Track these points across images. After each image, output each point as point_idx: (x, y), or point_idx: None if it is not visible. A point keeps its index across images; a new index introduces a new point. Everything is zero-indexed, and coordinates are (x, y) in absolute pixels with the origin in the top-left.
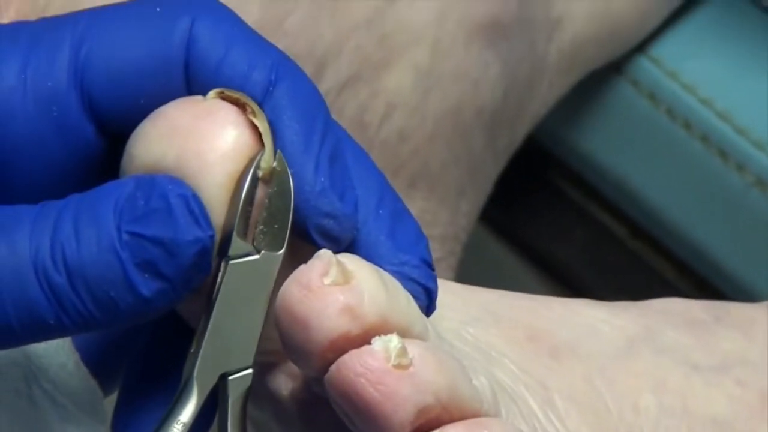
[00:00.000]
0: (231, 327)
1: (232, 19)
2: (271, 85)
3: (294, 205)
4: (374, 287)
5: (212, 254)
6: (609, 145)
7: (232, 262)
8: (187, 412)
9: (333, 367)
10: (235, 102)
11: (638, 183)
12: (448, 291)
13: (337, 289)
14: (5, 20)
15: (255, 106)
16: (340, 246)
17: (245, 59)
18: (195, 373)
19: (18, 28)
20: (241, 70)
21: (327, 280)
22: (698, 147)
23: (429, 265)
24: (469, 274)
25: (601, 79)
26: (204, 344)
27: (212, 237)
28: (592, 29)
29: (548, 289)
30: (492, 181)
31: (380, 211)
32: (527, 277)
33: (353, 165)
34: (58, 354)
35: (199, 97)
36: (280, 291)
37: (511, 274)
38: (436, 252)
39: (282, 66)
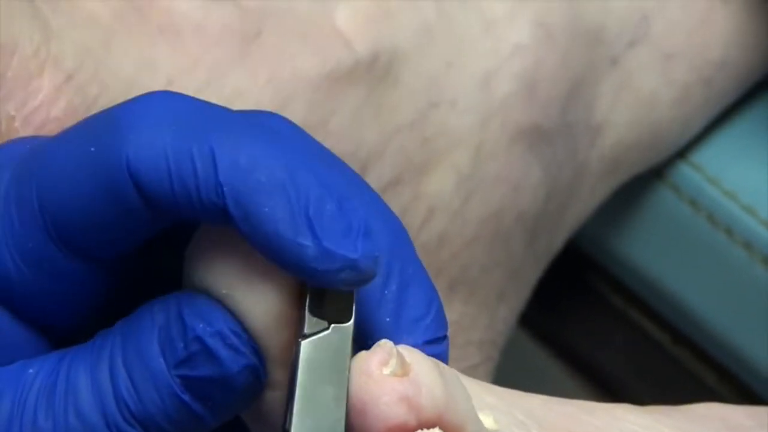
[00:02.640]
0: (316, 405)
1: (166, 123)
2: None
3: None
4: (431, 381)
5: (264, 369)
6: (650, 251)
7: (303, 342)
8: None
9: None
10: None
11: (679, 289)
12: (492, 394)
13: (396, 380)
14: (56, 112)
15: None
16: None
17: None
18: None
19: None
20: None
21: (386, 370)
22: (740, 254)
23: (433, 341)
24: (508, 378)
25: (642, 184)
26: (294, 422)
27: (258, 359)
28: (633, 135)
29: (588, 395)
30: (531, 285)
31: (385, 291)
32: (567, 382)
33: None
34: None
35: None
36: None
37: (551, 379)
38: (474, 357)
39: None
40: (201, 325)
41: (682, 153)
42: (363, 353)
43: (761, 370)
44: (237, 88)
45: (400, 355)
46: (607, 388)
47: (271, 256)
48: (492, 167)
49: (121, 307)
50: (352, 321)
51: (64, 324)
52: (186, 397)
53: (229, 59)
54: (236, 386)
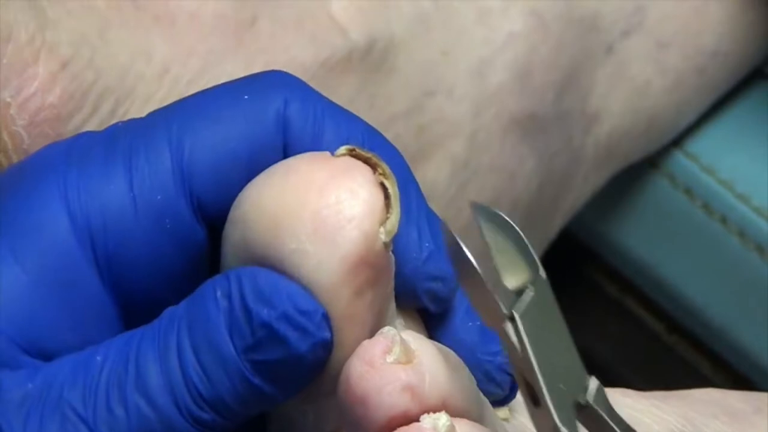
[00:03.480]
0: (552, 360)
1: (315, 95)
2: None
3: (399, 270)
4: (436, 368)
5: (332, 338)
6: (645, 240)
7: (516, 315)
8: None
9: None
10: (366, 161)
11: (674, 278)
12: None
13: (399, 368)
14: (51, 99)
15: (387, 168)
16: (445, 306)
17: (338, 133)
18: (557, 421)
19: (109, 138)
20: (336, 145)
21: (390, 359)
22: (735, 242)
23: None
24: None
25: (637, 173)
26: (546, 395)
27: (328, 330)
28: (628, 123)
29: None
30: None
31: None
32: None
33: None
34: None
35: (327, 154)
36: (344, 365)
37: None
38: None
39: (370, 135)
40: (266, 310)
41: (677, 142)
42: (366, 342)
43: (756, 358)
44: (232, 77)
45: (404, 342)
46: (603, 377)
47: None
48: (487, 156)
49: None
50: (541, 270)
51: (154, 293)
52: (257, 381)
53: (224, 48)
54: (306, 363)
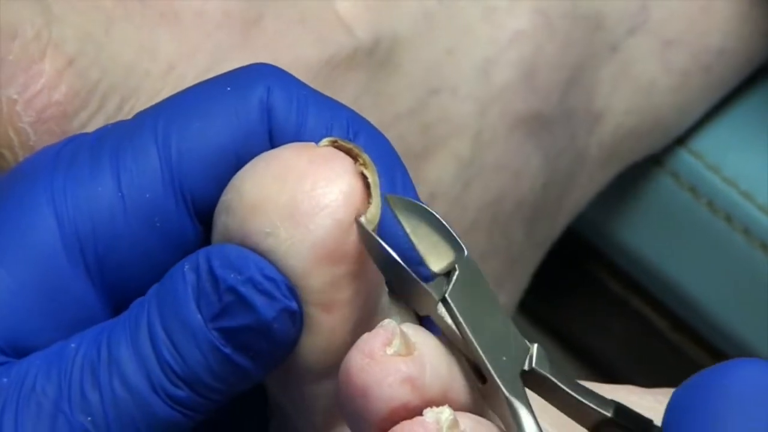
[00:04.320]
0: (491, 334)
1: (297, 83)
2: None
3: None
4: (437, 360)
5: (301, 312)
6: (649, 238)
7: (447, 296)
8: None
9: None
10: (348, 152)
11: (679, 276)
12: None
13: (399, 360)
14: (57, 96)
15: (367, 158)
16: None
17: (322, 121)
18: (507, 393)
19: (97, 140)
20: (321, 132)
21: (390, 351)
22: (739, 240)
23: None
24: None
25: (642, 172)
26: (490, 369)
27: (295, 301)
28: (633, 122)
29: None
30: (530, 272)
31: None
32: (567, 369)
33: None
34: None
35: (311, 144)
36: (344, 358)
37: None
38: None
39: (355, 122)
40: (232, 275)
41: (682, 140)
42: (366, 334)
43: (759, 355)
44: None
45: (404, 335)
46: (607, 375)
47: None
48: (491, 154)
49: None
50: (465, 250)
51: (137, 295)
52: (227, 350)
53: (230, 45)
54: (275, 332)
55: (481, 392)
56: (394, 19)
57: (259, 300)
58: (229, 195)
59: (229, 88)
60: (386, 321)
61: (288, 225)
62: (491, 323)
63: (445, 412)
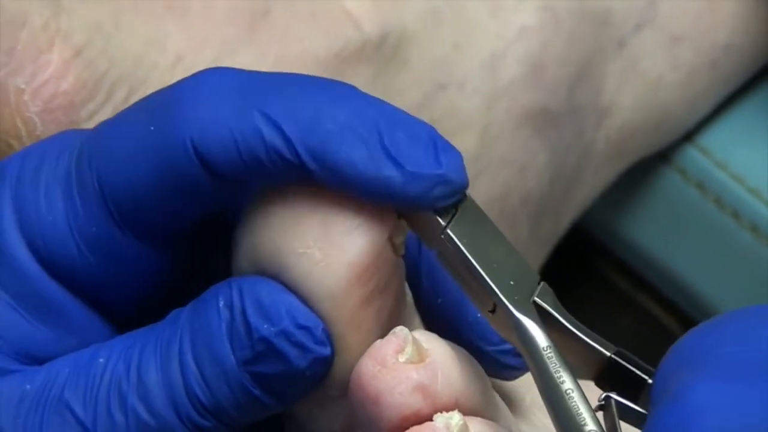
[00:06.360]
0: (497, 266)
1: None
2: None
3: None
4: (448, 367)
5: (332, 357)
6: (657, 235)
7: (449, 229)
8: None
9: None
10: None
11: (686, 272)
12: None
13: (411, 368)
14: (65, 86)
15: None
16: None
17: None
18: (516, 314)
19: (56, 159)
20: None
21: (402, 358)
22: (747, 237)
23: None
24: None
25: (649, 168)
26: (495, 290)
27: (329, 347)
28: (640, 118)
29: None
30: (536, 268)
31: None
32: (574, 364)
33: None
34: None
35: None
36: (356, 364)
37: None
38: None
39: None
40: (265, 326)
41: (689, 136)
42: (378, 341)
43: None
44: (245, 67)
45: (416, 342)
46: None
47: (361, 197)
48: (498, 149)
49: (175, 289)
50: (467, 192)
51: (123, 307)
52: (257, 392)
53: (238, 38)
54: (306, 377)
55: (492, 323)
56: (402, 14)
57: (291, 352)
58: (256, 216)
59: (152, 128)
60: (398, 328)
61: (322, 244)
62: (496, 251)
63: (455, 417)
